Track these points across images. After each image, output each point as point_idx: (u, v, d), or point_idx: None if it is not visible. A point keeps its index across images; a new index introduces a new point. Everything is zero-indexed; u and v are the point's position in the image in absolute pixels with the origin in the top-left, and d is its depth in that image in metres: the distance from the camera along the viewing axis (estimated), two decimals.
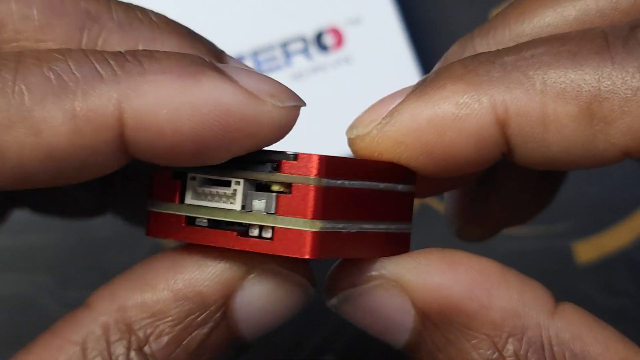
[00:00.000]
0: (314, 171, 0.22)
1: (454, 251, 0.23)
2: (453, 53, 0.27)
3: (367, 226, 0.23)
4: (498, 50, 0.23)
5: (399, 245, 0.24)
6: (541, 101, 0.22)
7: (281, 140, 0.23)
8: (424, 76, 0.24)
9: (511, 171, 0.29)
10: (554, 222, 0.45)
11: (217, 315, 0.22)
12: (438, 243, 0.43)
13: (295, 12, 0.46)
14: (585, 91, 0.22)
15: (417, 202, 0.46)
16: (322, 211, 0.22)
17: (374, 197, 0.23)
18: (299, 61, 0.46)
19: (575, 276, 0.45)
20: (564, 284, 0.45)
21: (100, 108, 0.21)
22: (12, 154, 0.21)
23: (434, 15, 0.48)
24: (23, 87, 0.21)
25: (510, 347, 0.22)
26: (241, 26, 0.45)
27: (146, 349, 0.22)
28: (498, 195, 0.30)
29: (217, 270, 0.22)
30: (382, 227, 0.23)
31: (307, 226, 0.21)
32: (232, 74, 0.22)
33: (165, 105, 0.21)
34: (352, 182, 0.22)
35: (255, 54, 0.45)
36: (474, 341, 0.23)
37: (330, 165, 0.22)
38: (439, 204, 0.46)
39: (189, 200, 0.23)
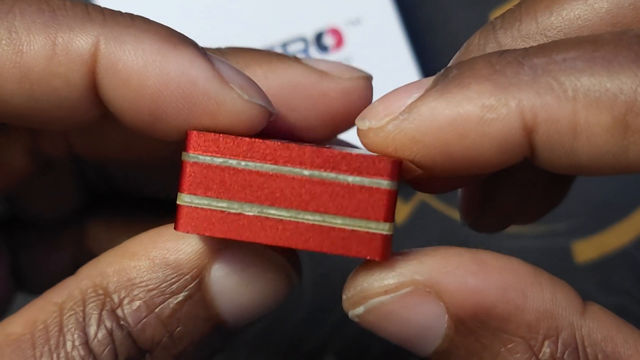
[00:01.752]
0: (187, 146, 0.23)
1: (482, 251, 0.23)
2: (474, 45, 0.25)
3: (276, 212, 0.22)
4: (526, 49, 0.22)
5: (362, 245, 0.22)
6: (573, 109, 0.21)
7: None
8: (444, 71, 0.23)
9: (524, 163, 0.29)
10: (554, 221, 0.45)
11: (192, 285, 0.23)
12: (438, 242, 0.43)
13: (295, 13, 0.46)
14: (621, 101, 0.21)
15: (417, 201, 0.46)
16: (190, 186, 0.22)
17: (298, 184, 0.22)
18: None
19: (575, 275, 0.45)
20: None
21: (78, 41, 0.23)
22: None
23: (434, 16, 0.48)
24: (17, 11, 0.23)
25: (547, 350, 0.22)
26: (241, 27, 0.46)
27: (118, 311, 0.23)
28: (509, 188, 0.29)
29: (194, 241, 0.23)
30: (312, 218, 0.22)
31: (179, 199, 0.23)
32: (215, 61, 0.23)
33: (138, 57, 0.23)
34: (244, 162, 0.22)
35: None
36: (509, 345, 0.22)
37: (204, 141, 0.22)
38: (438, 204, 0.46)
39: None
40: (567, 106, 0.21)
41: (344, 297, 0.23)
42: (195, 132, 0.22)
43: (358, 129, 0.23)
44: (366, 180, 0.22)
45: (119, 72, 0.23)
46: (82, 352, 0.23)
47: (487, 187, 0.29)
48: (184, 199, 0.22)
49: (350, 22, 0.46)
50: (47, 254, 0.32)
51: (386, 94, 0.23)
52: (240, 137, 0.22)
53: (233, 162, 0.22)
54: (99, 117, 0.24)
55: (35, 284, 0.32)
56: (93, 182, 0.31)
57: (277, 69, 0.25)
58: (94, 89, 0.23)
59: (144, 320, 0.23)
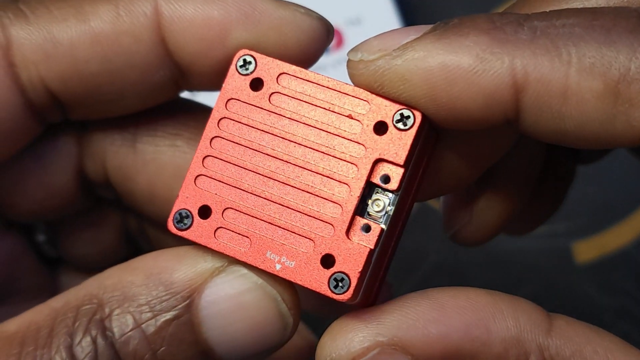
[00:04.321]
0: None
1: (439, 293, 0.23)
2: None
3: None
4: (527, 14, 0.22)
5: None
6: (566, 72, 0.21)
7: None
8: (445, 20, 0.23)
9: (509, 175, 0.29)
10: (554, 222, 0.45)
11: (181, 305, 0.23)
12: (437, 242, 0.43)
13: None
14: (615, 69, 0.21)
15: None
16: None
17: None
18: None
19: (575, 276, 0.45)
20: (564, 283, 0.45)
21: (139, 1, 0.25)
22: (65, 39, 0.25)
23: (434, 17, 0.48)
24: None
25: None
26: None
27: (107, 322, 0.23)
28: (495, 198, 0.29)
29: (190, 262, 0.23)
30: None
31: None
32: None
33: None
34: None
35: None
36: None
37: None
38: (438, 204, 0.46)
39: None
40: (560, 69, 0.21)
41: None
42: None
43: (349, 61, 0.23)
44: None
45: (184, 15, 0.24)
46: (64, 355, 0.23)
47: (471, 198, 0.29)
48: None
49: (350, 22, 0.46)
50: None
51: (383, 32, 0.23)
52: None
53: None
54: (168, 80, 0.25)
55: None
56: (135, 236, 0.31)
57: None
58: (162, 43, 0.25)
59: (129, 333, 0.23)
